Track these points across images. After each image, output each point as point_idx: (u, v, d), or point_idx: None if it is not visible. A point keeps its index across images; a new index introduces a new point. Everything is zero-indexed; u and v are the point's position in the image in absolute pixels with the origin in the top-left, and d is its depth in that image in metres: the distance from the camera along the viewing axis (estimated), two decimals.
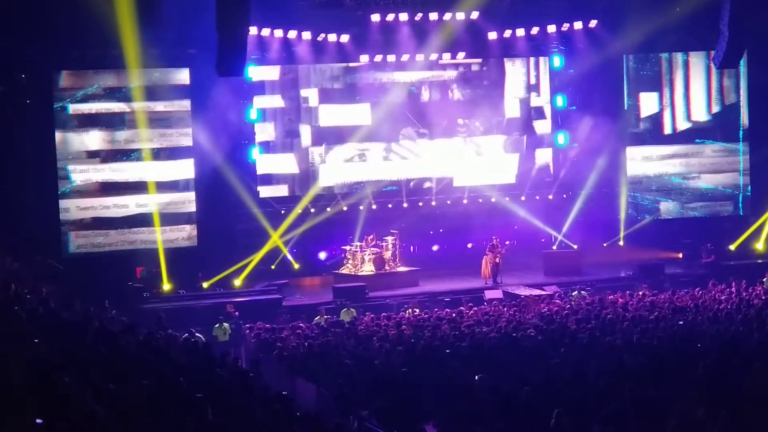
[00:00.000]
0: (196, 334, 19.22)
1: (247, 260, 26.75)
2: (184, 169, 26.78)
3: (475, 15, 27.87)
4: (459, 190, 29.81)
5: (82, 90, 26.05)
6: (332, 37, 27.92)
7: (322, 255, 28.85)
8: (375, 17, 27.65)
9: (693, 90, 29.90)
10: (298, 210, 28.13)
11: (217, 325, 21.83)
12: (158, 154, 26.57)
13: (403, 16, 27.76)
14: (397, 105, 29.09)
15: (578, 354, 15.51)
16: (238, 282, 26.44)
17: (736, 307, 19.23)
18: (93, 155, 26.22)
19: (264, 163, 28.50)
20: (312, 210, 28.46)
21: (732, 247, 28.76)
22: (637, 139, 30.01)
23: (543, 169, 30.48)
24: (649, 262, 27.35)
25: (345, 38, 28.01)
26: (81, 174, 26.12)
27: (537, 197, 30.22)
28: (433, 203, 29.67)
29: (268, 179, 28.61)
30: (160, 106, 26.52)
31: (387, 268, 27.06)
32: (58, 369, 10.18)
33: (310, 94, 28.81)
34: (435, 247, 29.81)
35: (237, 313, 23.02)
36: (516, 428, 12.48)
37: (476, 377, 14.07)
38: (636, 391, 12.34)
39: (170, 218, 26.65)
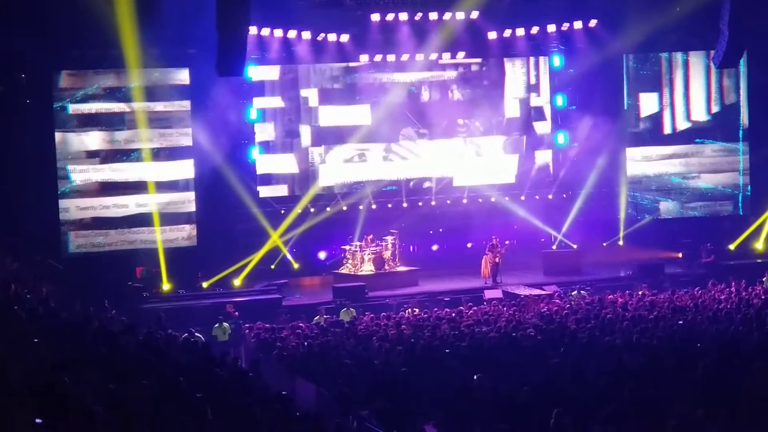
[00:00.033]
0: (196, 333, 19.23)
1: (247, 260, 26.74)
2: (184, 169, 26.78)
3: (474, 15, 27.86)
4: (459, 190, 29.79)
5: (82, 90, 26.05)
6: (332, 37, 27.91)
7: (322, 255, 28.84)
8: (375, 17, 27.64)
9: (693, 90, 29.89)
10: (297, 210, 28.13)
11: (216, 325, 21.83)
12: (158, 154, 26.58)
13: (403, 16, 27.75)
14: (397, 105, 29.07)
15: (578, 354, 15.51)
16: (237, 282, 26.44)
17: (736, 306, 19.22)
18: (93, 155, 26.23)
19: (264, 163, 28.50)
20: (312, 210, 28.46)
21: (732, 247, 28.76)
22: (636, 139, 29.99)
23: (543, 169, 30.46)
24: (649, 261, 27.33)
25: (345, 38, 27.99)
26: (81, 174, 26.12)
27: (537, 197, 30.20)
28: (433, 203, 29.65)
29: (268, 179, 28.61)
30: (159, 106, 26.53)
31: (387, 267, 27.06)
32: (58, 369, 10.18)
33: (310, 94, 28.80)
34: (435, 247, 29.79)
35: (237, 312, 23.01)
36: (516, 428, 12.49)
37: (475, 377, 14.06)
38: (636, 390, 12.33)
39: (170, 218, 26.66)
